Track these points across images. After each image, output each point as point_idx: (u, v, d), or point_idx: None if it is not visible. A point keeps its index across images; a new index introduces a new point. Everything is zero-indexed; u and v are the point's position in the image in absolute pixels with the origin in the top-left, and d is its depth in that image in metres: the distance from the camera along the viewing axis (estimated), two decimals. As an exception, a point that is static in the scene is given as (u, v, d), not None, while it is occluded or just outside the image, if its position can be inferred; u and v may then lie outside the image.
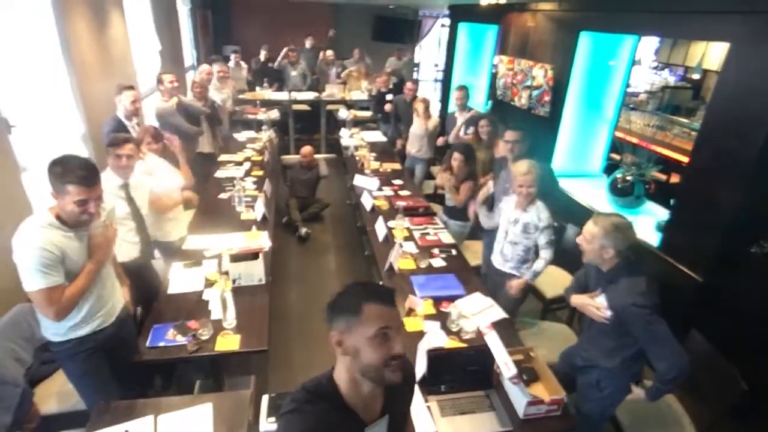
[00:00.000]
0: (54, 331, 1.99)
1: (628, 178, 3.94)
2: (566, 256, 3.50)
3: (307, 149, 5.33)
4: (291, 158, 5.32)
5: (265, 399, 1.97)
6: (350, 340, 1.14)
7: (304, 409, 1.16)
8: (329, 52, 8.36)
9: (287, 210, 5.25)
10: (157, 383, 2.68)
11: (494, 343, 2.06)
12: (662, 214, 3.85)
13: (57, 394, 2.35)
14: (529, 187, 2.74)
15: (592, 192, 4.25)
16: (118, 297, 2.22)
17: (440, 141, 5.20)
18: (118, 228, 2.22)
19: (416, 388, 1.65)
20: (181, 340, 2.32)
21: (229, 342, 2.34)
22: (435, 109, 6.70)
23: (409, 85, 5.78)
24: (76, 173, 1.80)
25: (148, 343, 2.30)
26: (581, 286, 2.29)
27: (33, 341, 2.39)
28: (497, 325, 2.46)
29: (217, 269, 2.93)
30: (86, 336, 2.03)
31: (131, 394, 2.13)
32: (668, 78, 7.94)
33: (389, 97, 6.16)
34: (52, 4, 3.42)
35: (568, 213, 4.07)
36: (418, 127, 5.21)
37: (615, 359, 2.10)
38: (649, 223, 3.64)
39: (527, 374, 2.18)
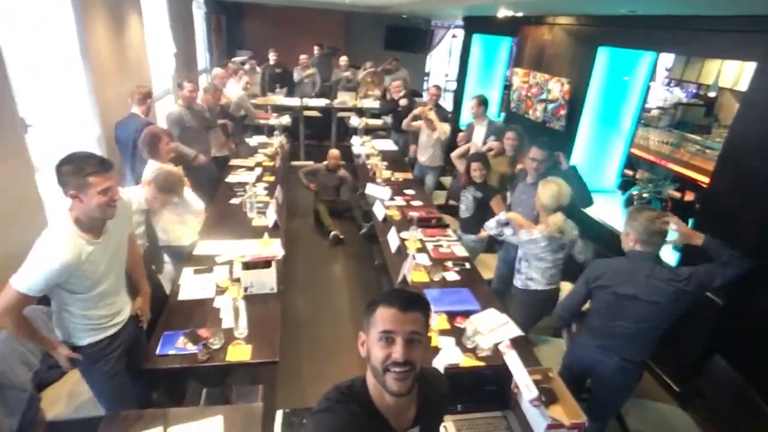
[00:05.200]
0: (81, 333, 1.95)
1: (645, 195, 3.90)
2: (578, 271, 3.44)
3: (334, 151, 5.43)
4: (305, 164, 5.34)
5: (279, 415, 1.92)
6: (367, 340, 1.19)
7: (336, 408, 1.17)
8: (343, 58, 8.36)
9: (316, 215, 5.34)
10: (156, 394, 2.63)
11: (514, 364, 2.00)
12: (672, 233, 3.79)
13: (64, 399, 2.31)
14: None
15: (606, 208, 4.19)
16: (127, 297, 2.20)
17: (460, 137, 4.91)
18: None
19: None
20: (191, 348, 2.28)
21: (240, 352, 2.29)
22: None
23: (432, 90, 5.68)
24: (91, 162, 1.77)
25: (158, 351, 2.26)
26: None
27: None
28: (512, 343, 2.41)
29: (228, 276, 2.90)
30: (115, 333, 2.02)
31: (142, 403, 2.10)
32: (680, 95, 7.90)
33: (403, 102, 6.10)
34: (72, 6, 3.42)
35: (582, 229, 4.01)
36: (426, 135, 5.17)
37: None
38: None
39: (545, 395, 2.11)
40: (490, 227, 3.08)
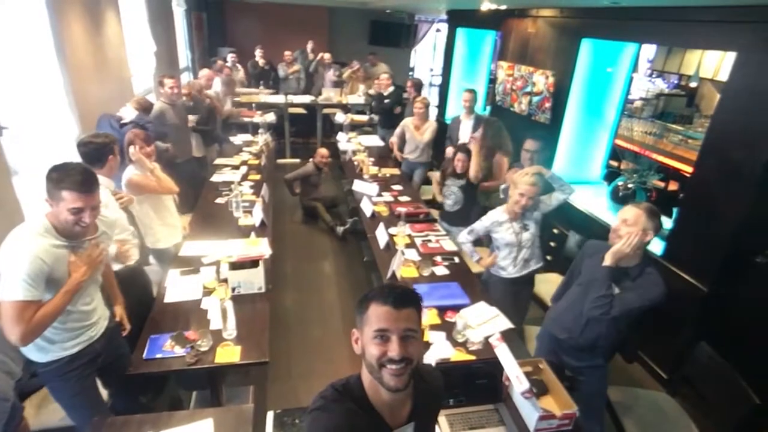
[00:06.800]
0: (39, 349, 1.90)
1: (630, 185, 3.93)
2: (569, 263, 3.47)
3: (323, 151, 5.44)
4: (292, 162, 5.37)
5: (270, 415, 1.90)
6: (361, 337, 1.17)
7: (331, 407, 1.17)
8: (326, 55, 8.30)
9: (311, 212, 5.46)
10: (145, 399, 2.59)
11: (505, 356, 2.01)
12: (663, 222, 3.84)
13: (48, 408, 2.26)
14: (530, 198, 2.78)
15: (592, 199, 4.23)
16: (104, 310, 2.15)
17: (449, 151, 4.93)
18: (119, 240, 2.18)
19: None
20: (179, 351, 2.24)
21: (229, 353, 2.26)
22: (432, 113, 6.67)
23: (408, 83, 5.71)
24: (72, 178, 1.74)
25: (144, 355, 2.21)
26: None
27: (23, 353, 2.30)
28: (503, 336, 2.41)
29: (215, 277, 2.85)
30: (76, 353, 1.95)
31: (130, 408, 2.05)
32: (661, 85, 7.99)
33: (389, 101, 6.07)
34: (47, 4, 3.32)
35: (569, 220, 4.06)
36: (413, 131, 5.15)
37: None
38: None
39: (536, 387, 2.12)
40: (464, 241, 3.13)
